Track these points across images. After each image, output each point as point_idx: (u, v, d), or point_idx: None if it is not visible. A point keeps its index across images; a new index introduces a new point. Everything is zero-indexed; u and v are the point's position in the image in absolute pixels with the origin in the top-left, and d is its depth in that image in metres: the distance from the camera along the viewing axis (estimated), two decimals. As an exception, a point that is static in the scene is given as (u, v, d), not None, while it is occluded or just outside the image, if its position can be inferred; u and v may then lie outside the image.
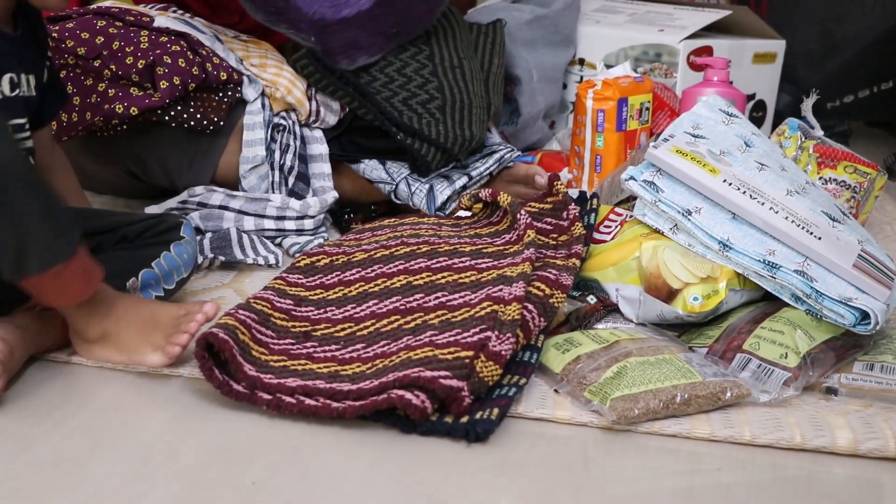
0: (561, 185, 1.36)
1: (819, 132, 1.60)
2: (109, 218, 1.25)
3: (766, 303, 1.22)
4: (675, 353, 1.11)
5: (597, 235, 1.30)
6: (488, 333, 1.07)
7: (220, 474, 0.94)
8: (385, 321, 1.16)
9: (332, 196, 1.57)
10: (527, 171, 1.67)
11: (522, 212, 1.29)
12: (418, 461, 0.96)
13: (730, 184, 1.21)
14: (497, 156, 1.67)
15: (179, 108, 1.49)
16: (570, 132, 1.75)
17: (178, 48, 1.49)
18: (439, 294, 1.18)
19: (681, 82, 1.89)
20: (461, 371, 1.01)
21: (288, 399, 1.02)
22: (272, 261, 1.45)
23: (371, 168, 1.62)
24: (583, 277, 1.28)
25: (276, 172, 1.56)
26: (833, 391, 1.11)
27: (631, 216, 1.28)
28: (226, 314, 1.12)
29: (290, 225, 1.53)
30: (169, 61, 1.47)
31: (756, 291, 1.22)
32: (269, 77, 1.56)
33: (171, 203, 1.54)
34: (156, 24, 1.54)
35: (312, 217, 1.54)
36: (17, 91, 1.11)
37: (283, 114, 1.58)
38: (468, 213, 1.39)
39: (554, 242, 1.30)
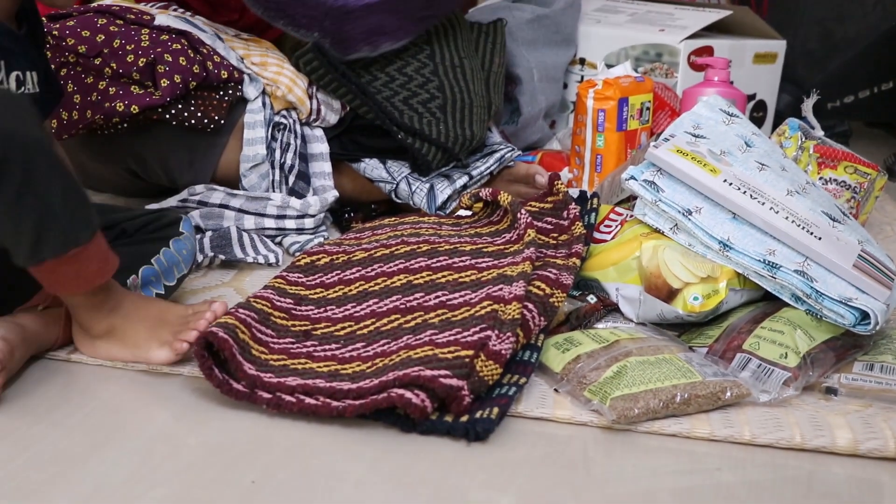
0: (561, 184, 1.36)
1: (819, 132, 1.60)
2: (109, 214, 1.25)
3: (766, 303, 1.22)
4: (675, 353, 1.11)
5: (597, 235, 1.30)
6: (488, 332, 1.07)
7: (219, 473, 0.94)
8: (385, 320, 1.16)
9: (332, 195, 1.57)
10: (527, 170, 1.67)
11: (523, 211, 1.29)
12: (418, 460, 0.96)
13: (730, 184, 1.21)
14: (498, 155, 1.67)
15: (180, 106, 1.49)
16: (571, 132, 1.75)
17: (179, 46, 1.49)
18: (439, 293, 1.18)
19: (681, 82, 1.89)
20: (461, 370, 1.01)
21: (288, 398, 1.02)
22: (272, 259, 1.45)
23: (371, 167, 1.62)
24: (583, 277, 1.28)
25: (277, 171, 1.56)
26: (833, 391, 1.11)
27: (631, 216, 1.28)
28: (226, 313, 1.12)
29: (290, 224, 1.53)
30: (170, 60, 1.47)
31: (756, 291, 1.22)
32: (270, 75, 1.56)
33: (172, 201, 1.54)
34: (156, 22, 1.54)
35: (313, 216, 1.54)
36: (22, 88, 1.12)
37: (284, 112, 1.58)
38: (468, 213, 1.39)
39: (554, 242, 1.30)
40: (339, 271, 1.27)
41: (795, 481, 0.97)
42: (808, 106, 1.63)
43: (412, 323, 1.14)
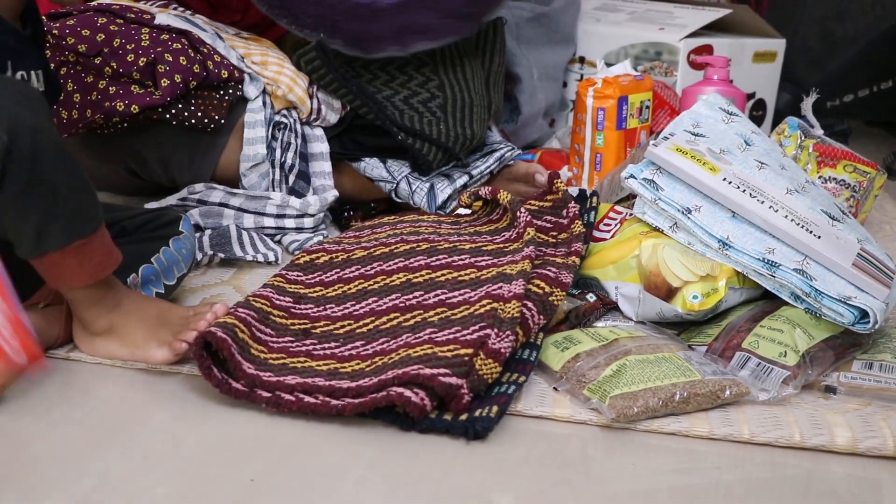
0: (561, 183, 1.36)
1: (819, 131, 1.60)
2: (108, 212, 1.25)
3: (766, 301, 1.22)
4: (675, 352, 1.11)
5: (596, 233, 1.30)
6: (488, 331, 1.07)
7: (218, 471, 0.94)
8: (384, 318, 1.16)
9: (332, 194, 1.57)
10: (527, 169, 1.67)
11: (522, 209, 1.29)
12: (417, 459, 0.97)
13: (729, 182, 1.21)
14: (498, 154, 1.67)
15: (180, 106, 1.49)
16: (571, 130, 1.75)
17: (179, 46, 1.49)
18: (439, 291, 1.18)
19: (681, 81, 1.90)
20: (460, 368, 1.01)
21: (287, 397, 1.02)
22: (271, 258, 1.45)
23: (372, 166, 1.62)
24: (582, 275, 1.28)
25: (277, 170, 1.56)
26: (832, 390, 1.11)
27: (631, 214, 1.28)
28: (225, 312, 1.12)
29: (289, 223, 1.53)
30: (170, 59, 1.47)
31: (755, 290, 1.22)
32: (271, 75, 1.56)
33: (171, 200, 1.54)
34: (157, 21, 1.54)
35: (312, 216, 1.54)
36: None
37: (285, 112, 1.58)
38: (468, 211, 1.39)
39: (554, 240, 1.30)
40: (338, 270, 1.27)
41: (794, 480, 0.97)
42: (807, 105, 1.63)
43: (411, 321, 1.14)
